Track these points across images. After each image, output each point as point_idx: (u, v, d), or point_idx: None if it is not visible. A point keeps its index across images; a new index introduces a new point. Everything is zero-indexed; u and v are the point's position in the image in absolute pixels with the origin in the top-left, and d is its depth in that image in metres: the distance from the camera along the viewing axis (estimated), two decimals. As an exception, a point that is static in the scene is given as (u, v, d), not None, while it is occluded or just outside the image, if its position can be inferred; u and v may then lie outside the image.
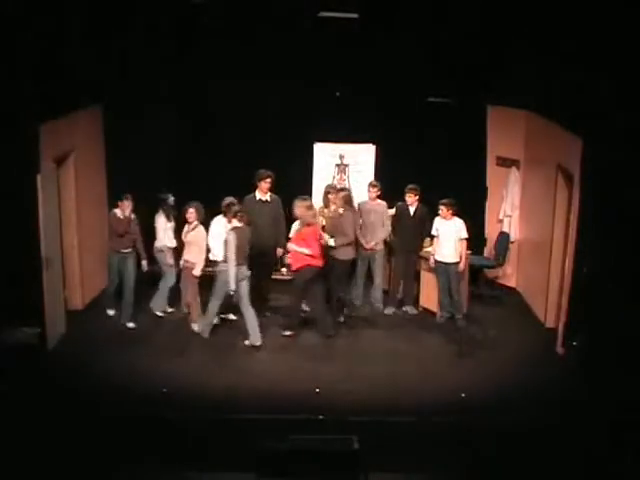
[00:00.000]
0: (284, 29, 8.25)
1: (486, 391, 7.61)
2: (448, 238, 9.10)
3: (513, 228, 10.40)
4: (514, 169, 10.37)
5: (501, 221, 10.54)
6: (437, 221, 9.21)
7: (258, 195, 9.10)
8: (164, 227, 9.08)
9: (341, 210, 8.95)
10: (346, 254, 8.96)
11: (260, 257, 8.89)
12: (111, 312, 9.26)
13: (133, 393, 7.39)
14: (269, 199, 9.13)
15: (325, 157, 10.66)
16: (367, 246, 9.35)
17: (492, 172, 10.67)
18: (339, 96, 10.00)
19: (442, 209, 9.09)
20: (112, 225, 8.90)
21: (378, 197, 9.45)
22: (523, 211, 10.32)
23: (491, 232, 10.68)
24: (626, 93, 7.16)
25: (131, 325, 9.03)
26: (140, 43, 8.38)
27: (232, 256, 8.14)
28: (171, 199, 9.09)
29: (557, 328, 8.65)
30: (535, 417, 6.95)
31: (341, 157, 10.67)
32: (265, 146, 10.16)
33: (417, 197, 9.32)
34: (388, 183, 9.65)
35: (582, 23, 7.19)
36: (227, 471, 6.13)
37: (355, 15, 7.99)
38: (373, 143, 10.59)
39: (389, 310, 9.63)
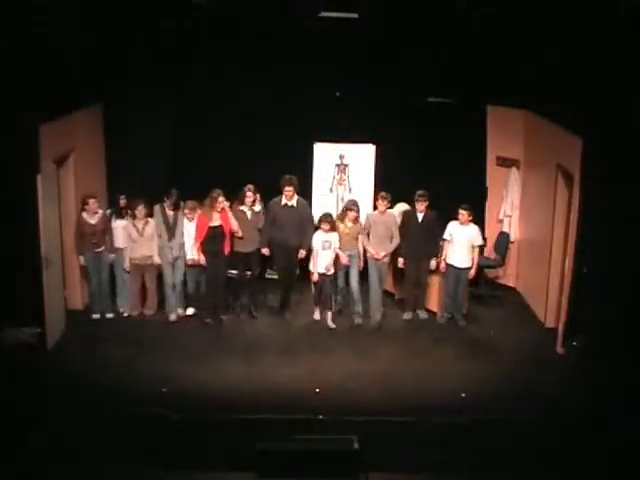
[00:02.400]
0: (284, 28, 8.25)
1: (486, 391, 7.61)
2: (463, 243, 9.03)
3: (513, 228, 10.40)
4: (514, 169, 10.36)
5: (501, 221, 10.54)
6: (452, 225, 9.12)
7: (284, 200, 9.12)
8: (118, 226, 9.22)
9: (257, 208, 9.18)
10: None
11: (284, 259, 9.23)
12: (96, 316, 9.22)
13: (133, 393, 7.40)
14: (295, 204, 9.13)
15: (325, 157, 10.66)
16: (377, 257, 9.26)
17: (492, 172, 10.66)
18: (339, 96, 10.00)
19: (463, 214, 9.00)
20: (81, 227, 8.90)
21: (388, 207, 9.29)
22: (523, 211, 10.32)
23: (491, 232, 10.66)
24: (626, 93, 7.16)
25: (109, 316, 9.25)
26: (140, 43, 8.39)
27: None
28: (122, 200, 9.25)
29: (557, 328, 8.65)
30: (535, 417, 6.95)
31: (341, 157, 10.65)
32: (265, 146, 10.16)
33: (426, 204, 9.20)
34: (388, 183, 9.63)
35: (582, 23, 7.20)
36: (227, 471, 6.12)
37: (355, 15, 7.99)
38: (373, 143, 10.58)
39: (407, 315, 9.55)
